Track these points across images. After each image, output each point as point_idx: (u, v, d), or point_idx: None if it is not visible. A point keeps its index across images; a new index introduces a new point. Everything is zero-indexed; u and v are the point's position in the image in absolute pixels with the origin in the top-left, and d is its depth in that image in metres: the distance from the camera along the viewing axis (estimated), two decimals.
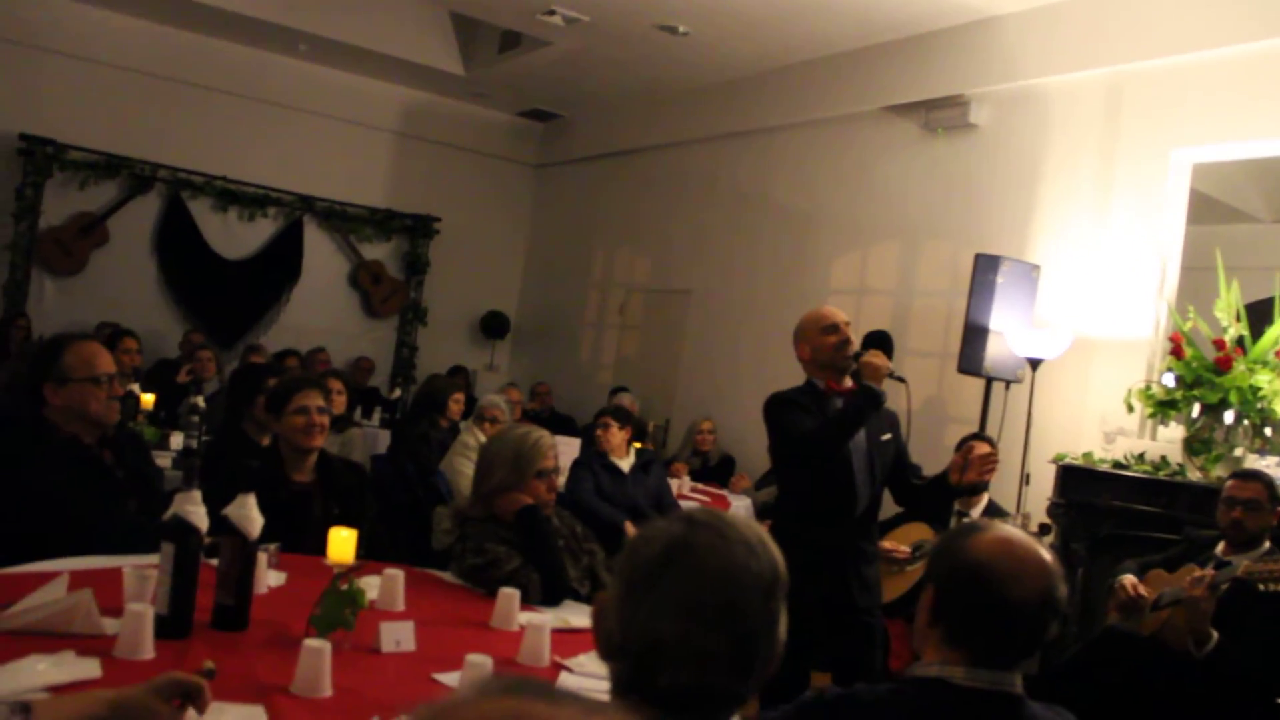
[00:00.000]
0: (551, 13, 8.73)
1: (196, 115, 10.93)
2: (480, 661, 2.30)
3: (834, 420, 3.87)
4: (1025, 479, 6.34)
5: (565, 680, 2.57)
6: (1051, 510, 6.07)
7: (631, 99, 11.03)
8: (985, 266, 6.61)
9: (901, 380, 3.97)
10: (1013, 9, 7.17)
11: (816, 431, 3.87)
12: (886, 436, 4.05)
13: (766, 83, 9.40)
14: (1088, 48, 6.77)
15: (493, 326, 12.65)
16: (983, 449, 4.58)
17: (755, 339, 9.31)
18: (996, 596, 1.87)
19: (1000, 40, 7.32)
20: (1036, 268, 6.81)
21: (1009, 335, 6.51)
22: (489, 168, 12.71)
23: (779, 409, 4.03)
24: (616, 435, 6.23)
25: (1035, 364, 6.49)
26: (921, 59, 7.91)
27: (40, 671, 2.12)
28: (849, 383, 4.01)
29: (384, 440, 8.01)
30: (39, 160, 10.08)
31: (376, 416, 9.12)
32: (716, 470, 8.50)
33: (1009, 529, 1.96)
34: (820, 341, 4.01)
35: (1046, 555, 1.92)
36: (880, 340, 8.09)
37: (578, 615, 3.21)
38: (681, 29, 8.68)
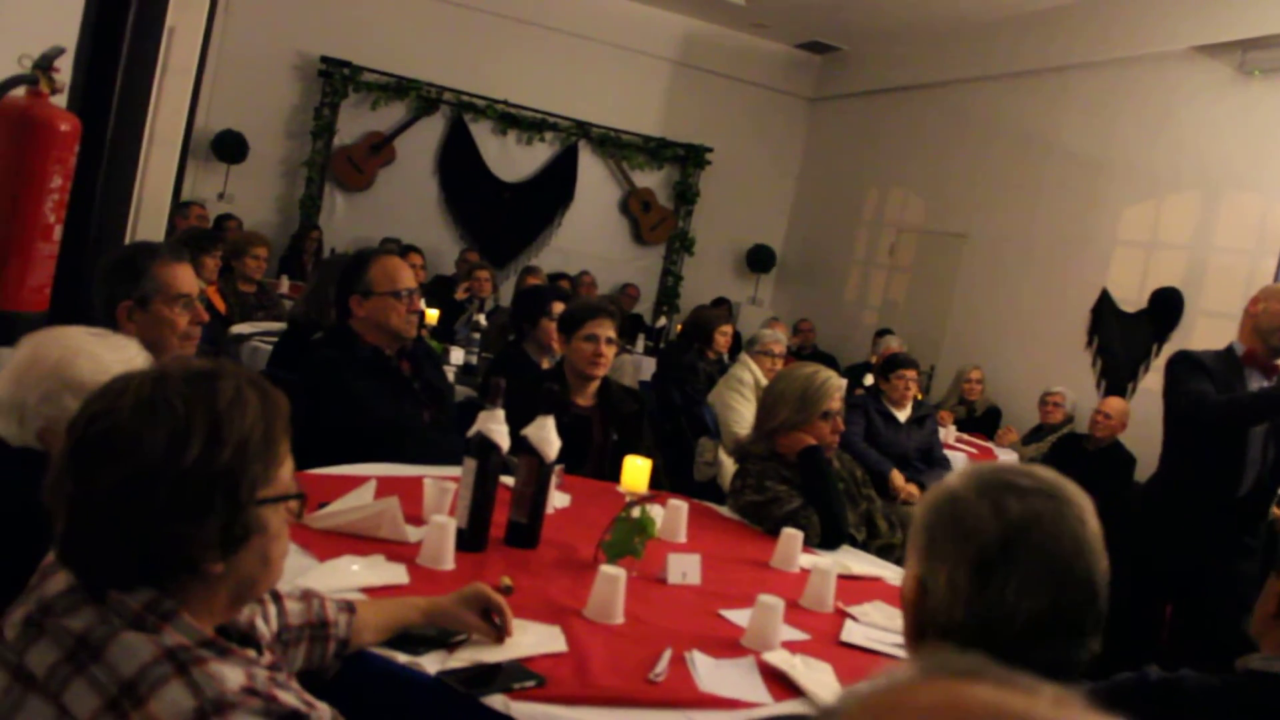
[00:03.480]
0: None
1: (481, 40, 11.22)
2: (772, 603, 2.26)
3: (1246, 399, 3.71)
4: None
5: (850, 630, 2.51)
6: None
7: (915, 32, 10.65)
8: None
9: None
10: None
11: (1222, 403, 3.71)
12: None
13: (1063, 18, 8.88)
14: None
15: (758, 260, 12.58)
16: None
17: (1031, 288, 8.93)
18: None
19: None
20: None
21: None
22: (764, 100, 12.56)
23: (1183, 367, 3.91)
24: (913, 388, 6.08)
25: None
26: None
27: (354, 572, 2.21)
28: (1275, 360, 3.84)
29: (648, 367, 8.09)
30: (336, 81, 10.58)
31: (641, 343, 9.21)
32: (982, 420, 8.23)
33: None
34: (1276, 307, 3.84)
35: None
36: (1169, 298, 7.67)
37: (857, 561, 3.14)
38: None
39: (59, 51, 2.28)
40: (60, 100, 2.46)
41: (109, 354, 1.91)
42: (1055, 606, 1.38)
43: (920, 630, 1.47)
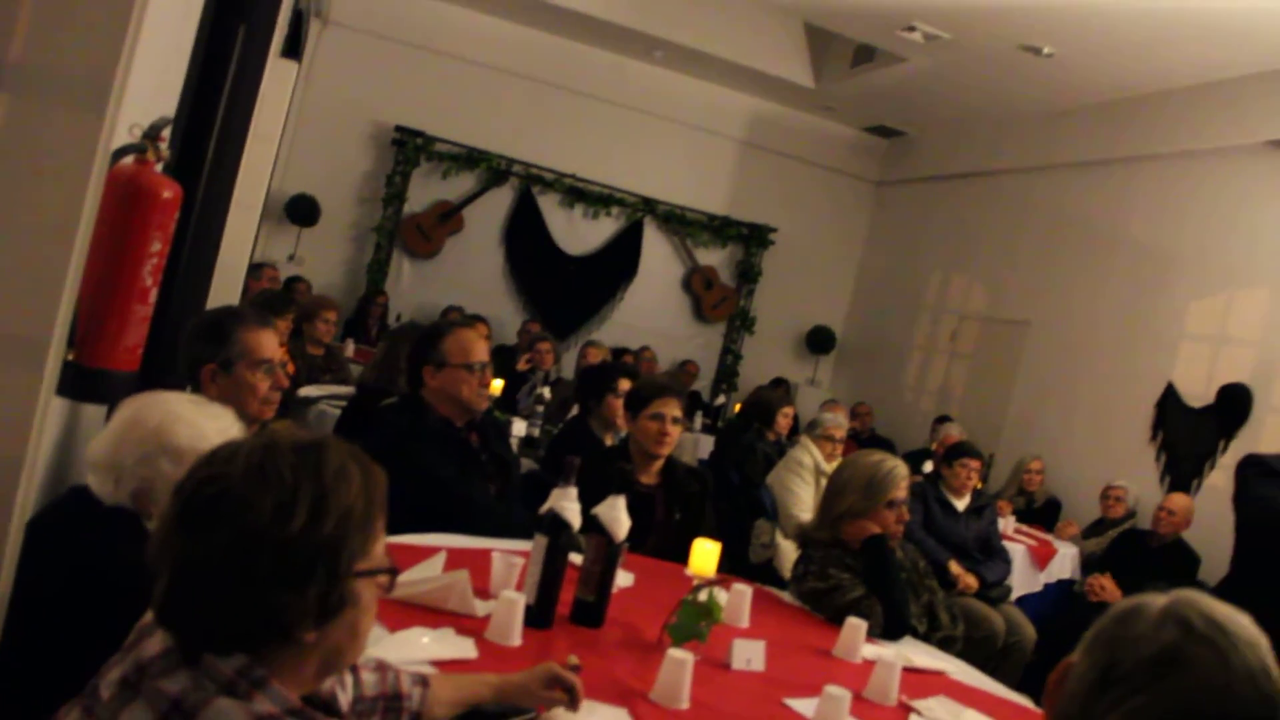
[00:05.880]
0: (912, 29, 8.59)
1: (551, 114, 11.44)
2: (839, 694, 2.25)
3: None
4: None
5: None
6: None
7: (982, 120, 10.72)
8: None
9: None
10: None
11: None
12: None
13: (1132, 110, 8.90)
14: None
15: (818, 341, 12.59)
16: None
17: (1095, 379, 8.86)
18: None
19: None
20: None
21: None
22: (828, 181, 12.66)
23: (1254, 471, 3.84)
24: (974, 478, 6.05)
25: None
26: None
27: (425, 645, 2.23)
28: None
29: (706, 445, 8.10)
30: (409, 150, 10.82)
31: (698, 421, 9.22)
32: (1041, 512, 8.14)
33: None
34: None
35: None
36: (1237, 394, 7.57)
37: (920, 653, 3.12)
38: (1046, 50, 8.36)
39: (166, 122, 2.37)
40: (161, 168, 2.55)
41: (207, 422, 1.97)
42: None
43: (1052, 712, 1.44)
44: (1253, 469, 3.86)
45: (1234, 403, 7.58)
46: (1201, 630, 1.31)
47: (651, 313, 11.96)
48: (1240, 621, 1.34)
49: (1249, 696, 1.29)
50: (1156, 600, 1.36)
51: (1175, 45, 7.63)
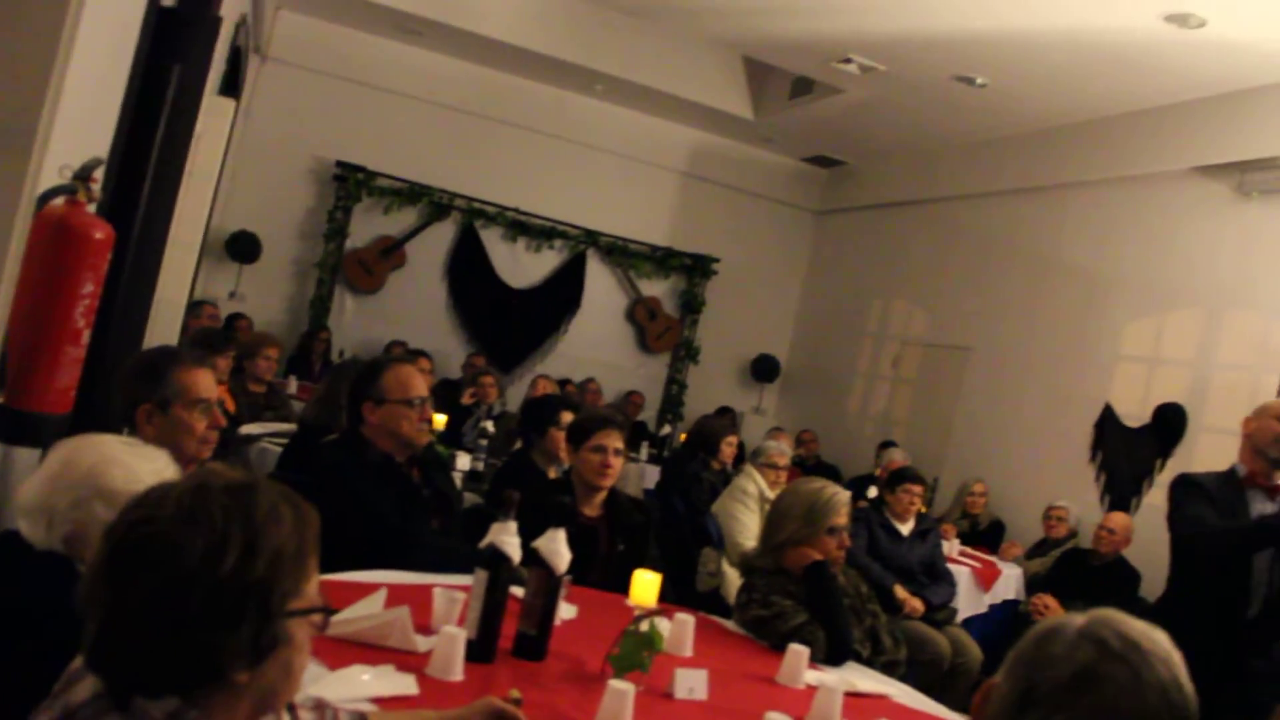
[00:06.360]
0: (848, 60, 8.71)
1: (494, 148, 11.46)
2: None
3: (1243, 530, 3.75)
4: None
5: None
6: None
7: (919, 148, 10.88)
8: None
9: None
10: None
11: (1219, 532, 3.76)
12: None
13: (1064, 138, 9.08)
14: None
15: (763, 369, 12.67)
16: None
17: (1035, 402, 8.99)
18: None
19: None
20: None
21: None
22: (770, 211, 12.78)
23: (1184, 491, 3.95)
24: (917, 503, 6.10)
25: None
26: (1239, 117, 7.46)
27: (365, 682, 2.22)
28: (1277, 478, 3.88)
29: (652, 475, 8.11)
30: (350, 186, 10.80)
31: (644, 451, 9.24)
32: (986, 534, 8.23)
33: None
34: (1271, 425, 3.91)
35: None
36: (1172, 414, 7.71)
37: (863, 678, 3.14)
38: (979, 80, 8.51)
39: (98, 163, 2.37)
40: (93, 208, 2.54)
41: (141, 464, 1.96)
42: None
43: None
44: (1184, 488, 3.95)
45: (1169, 422, 7.71)
46: (1116, 648, 1.35)
47: (596, 344, 11.98)
48: (1154, 638, 1.38)
49: (1161, 710, 1.33)
50: (1075, 620, 1.40)
51: (1104, 76, 7.80)
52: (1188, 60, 7.15)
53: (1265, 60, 6.88)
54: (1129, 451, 8.00)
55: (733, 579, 5.28)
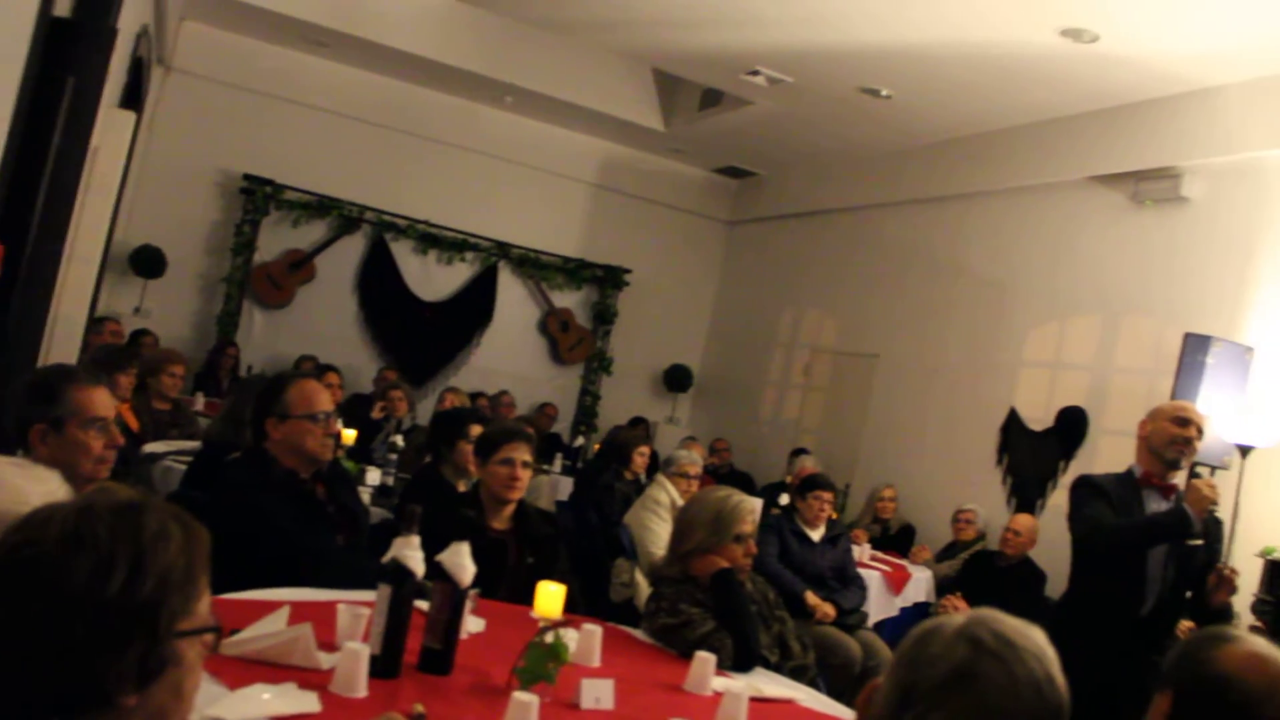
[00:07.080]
0: (755, 73, 8.81)
1: (403, 161, 11.40)
2: None
3: (1138, 526, 3.88)
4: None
5: None
6: (1257, 608, 5.78)
7: (828, 160, 11.03)
8: (1195, 347, 6.38)
9: (1200, 540, 3.90)
10: (1232, 80, 6.92)
11: (1114, 529, 3.88)
12: (1198, 542, 3.95)
13: (967, 148, 9.28)
14: None
15: (676, 379, 12.73)
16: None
17: (942, 407, 9.15)
18: (1244, 714, 1.76)
19: (1218, 112, 7.06)
20: (1250, 350, 6.53)
21: (1217, 420, 6.24)
22: (681, 222, 12.86)
23: (1082, 492, 4.06)
24: (828, 509, 6.18)
25: (1245, 451, 6.21)
26: (1132, 129, 7.69)
27: (265, 701, 2.20)
28: (1171, 478, 4.02)
29: (565, 487, 8.11)
30: (258, 199, 10.66)
31: (558, 463, 9.23)
32: (896, 539, 8.36)
33: (1262, 642, 1.85)
34: (1166, 428, 4.03)
35: None
36: (1074, 417, 7.90)
37: (770, 683, 3.18)
38: (885, 92, 8.66)
39: None
40: None
41: (30, 485, 1.92)
42: None
43: None
44: (1083, 489, 4.06)
45: (1072, 425, 7.90)
46: (991, 646, 1.39)
47: (509, 356, 11.96)
48: (1029, 635, 1.42)
49: (1034, 706, 1.37)
50: (954, 620, 1.44)
51: (1004, 89, 8.00)
52: (1083, 74, 7.35)
53: (1156, 74, 7.10)
54: (1034, 454, 8.18)
55: (646, 589, 5.30)
